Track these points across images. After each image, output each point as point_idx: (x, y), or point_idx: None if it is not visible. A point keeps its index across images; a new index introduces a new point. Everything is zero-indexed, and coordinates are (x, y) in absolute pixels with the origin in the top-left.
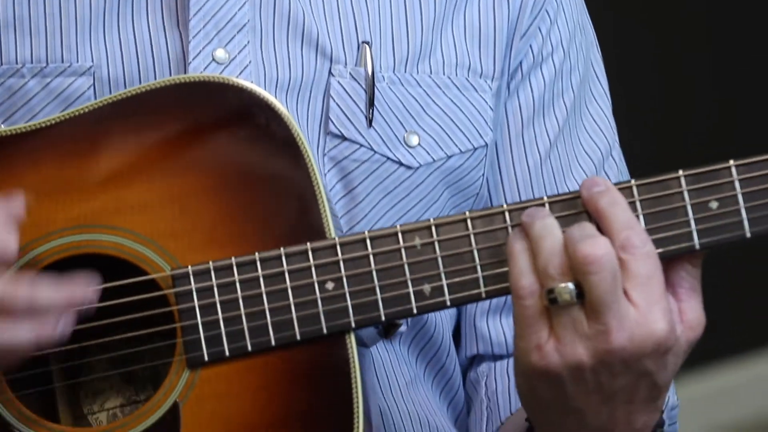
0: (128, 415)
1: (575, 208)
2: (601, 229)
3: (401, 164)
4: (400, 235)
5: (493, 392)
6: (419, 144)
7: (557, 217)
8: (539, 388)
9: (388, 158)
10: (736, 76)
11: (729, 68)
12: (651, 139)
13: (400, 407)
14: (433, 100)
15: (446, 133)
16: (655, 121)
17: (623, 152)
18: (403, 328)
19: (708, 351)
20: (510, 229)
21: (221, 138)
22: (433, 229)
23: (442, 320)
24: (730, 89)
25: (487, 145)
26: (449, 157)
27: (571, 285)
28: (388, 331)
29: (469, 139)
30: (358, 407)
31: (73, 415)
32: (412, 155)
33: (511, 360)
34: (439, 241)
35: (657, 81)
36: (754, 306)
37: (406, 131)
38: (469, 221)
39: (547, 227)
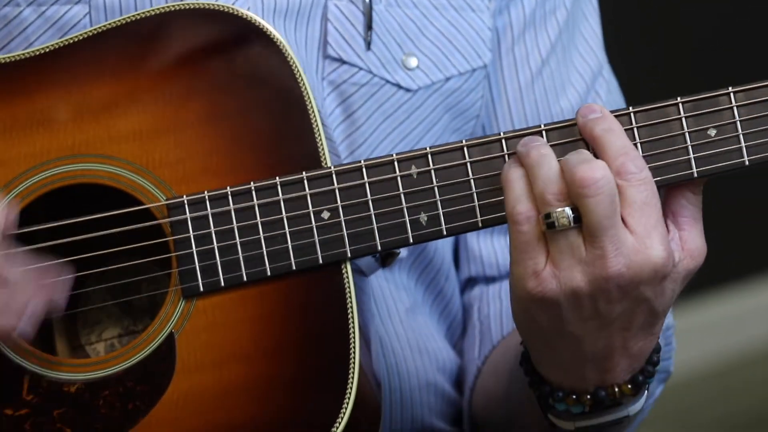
0: (126, 345)
1: (572, 136)
2: (597, 156)
3: (400, 87)
4: (396, 163)
5: (486, 316)
6: (418, 66)
7: (554, 145)
8: (536, 314)
9: (387, 81)
10: (736, 25)
11: (728, 15)
12: (650, 89)
13: (399, 334)
14: (431, 22)
15: (444, 55)
16: (654, 71)
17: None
18: (404, 254)
19: (709, 278)
20: (507, 158)
21: (217, 66)
22: (430, 157)
23: (443, 243)
24: (729, 38)
25: (485, 66)
26: (448, 79)
27: (568, 209)
28: (385, 260)
29: (467, 60)
30: (354, 337)
31: (70, 345)
32: (410, 78)
33: (503, 284)
34: (435, 170)
35: (655, 29)
36: (755, 233)
37: (405, 54)
38: (465, 150)
39: (543, 156)
